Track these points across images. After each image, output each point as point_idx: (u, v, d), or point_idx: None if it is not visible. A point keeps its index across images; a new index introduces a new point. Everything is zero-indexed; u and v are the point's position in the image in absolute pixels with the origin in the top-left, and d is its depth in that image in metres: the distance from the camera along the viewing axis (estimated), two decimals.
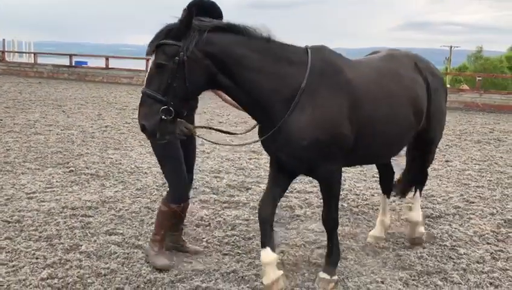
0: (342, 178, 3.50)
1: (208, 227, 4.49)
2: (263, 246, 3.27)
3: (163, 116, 2.81)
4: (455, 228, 4.60)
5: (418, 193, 4.32)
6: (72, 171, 6.17)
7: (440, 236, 4.37)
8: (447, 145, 8.62)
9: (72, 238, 4.05)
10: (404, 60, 3.77)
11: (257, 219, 4.64)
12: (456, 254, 4.01)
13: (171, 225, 3.74)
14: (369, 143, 3.37)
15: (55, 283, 3.29)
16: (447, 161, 7.50)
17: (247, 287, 3.38)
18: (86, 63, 23.29)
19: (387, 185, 4.39)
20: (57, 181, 5.70)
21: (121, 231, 4.24)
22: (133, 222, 4.50)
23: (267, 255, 3.23)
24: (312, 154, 3.08)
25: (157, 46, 2.82)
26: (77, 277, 3.40)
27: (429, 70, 3.86)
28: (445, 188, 6.00)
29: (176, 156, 3.58)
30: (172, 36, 2.81)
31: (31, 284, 3.27)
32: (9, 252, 3.73)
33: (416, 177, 4.35)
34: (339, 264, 3.75)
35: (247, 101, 3.12)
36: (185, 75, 2.82)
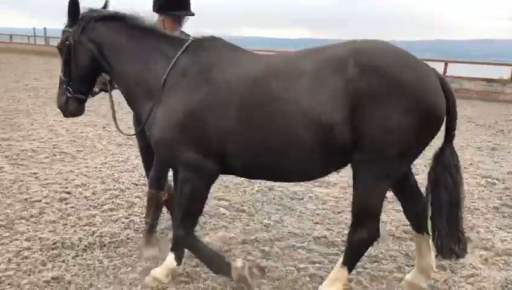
0: None
1: (301, 200, 5.02)
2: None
3: (68, 95, 3.11)
4: None
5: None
6: None
7: None
8: None
9: None
10: (328, 53, 2.70)
11: (346, 196, 5.12)
12: None
13: (155, 212, 3.72)
14: (243, 151, 2.81)
15: None
16: None
17: (337, 250, 3.85)
18: None
19: (414, 216, 3.15)
20: None
21: (228, 198, 4.93)
22: (237, 191, 5.16)
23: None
24: (164, 153, 3.00)
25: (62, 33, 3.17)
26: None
27: (371, 68, 2.55)
28: None
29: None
30: (67, 24, 3.11)
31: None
32: (140, 207, 4.57)
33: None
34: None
35: (121, 91, 3.15)
36: (74, 58, 3.07)
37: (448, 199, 2.83)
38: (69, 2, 3.03)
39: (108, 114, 9.47)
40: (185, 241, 3.12)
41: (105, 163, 6.07)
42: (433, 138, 2.68)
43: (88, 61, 3.09)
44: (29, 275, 3.26)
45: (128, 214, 4.41)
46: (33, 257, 3.49)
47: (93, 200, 4.72)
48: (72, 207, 4.48)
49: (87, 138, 7.40)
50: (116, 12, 3.12)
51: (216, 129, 2.77)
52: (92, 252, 3.63)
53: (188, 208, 3.03)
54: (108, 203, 4.61)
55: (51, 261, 3.44)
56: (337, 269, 2.93)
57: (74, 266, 3.38)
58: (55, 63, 22.60)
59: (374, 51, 2.66)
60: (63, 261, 3.45)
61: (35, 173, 5.45)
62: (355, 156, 2.66)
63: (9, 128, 7.74)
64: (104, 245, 3.76)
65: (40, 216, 4.25)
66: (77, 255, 3.55)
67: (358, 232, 2.79)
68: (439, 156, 2.87)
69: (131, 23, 3.08)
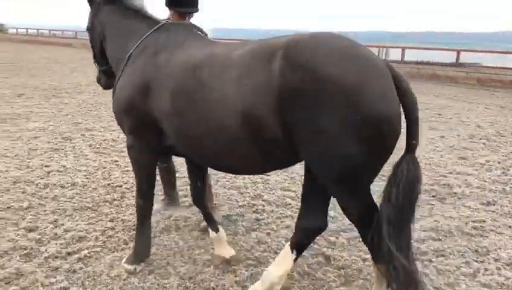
0: None
1: None
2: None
3: (97, 69, 3.67)
4: None
5: None
6: None
7: None
8: None
9: (255, 190, 5.01)
10: (267, 44, 2.53)
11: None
12: None
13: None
14: (178, 135, 2.88)
15: (246, 219, 4.25)
16: None
17: None
18: None
19: None
20: None
21: (293, 189, 5.06)
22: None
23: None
24: (116, 120, 3.26)
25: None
26: (260, 216, 4.32)
27: (297, 61, 2.30)
28: None
29: None
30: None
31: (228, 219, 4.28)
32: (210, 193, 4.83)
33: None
34: (494, 238, 4.00)
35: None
36: (92, 38, 3.58)
37: (392, 218, 2.37)
38: None
39: None
40: (140, 209, 3.33)
41: None
42: (386, 144, 2.30)
43: (99, 42, 3.53)
44: (113, 252, 3.59)
45: None
46: (116, 236, 3.83)
47: None
48: None
49: None
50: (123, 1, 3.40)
51: (154, 109, 2.89)
52: (168, 234, 3.92)
53: (142, 178, 3.26)
54: (182, 190, 4.91)
55: (132, 240, 3.75)
56: None
57: (153, 245, 3.66)
58: None
59: (308, 43, 2.37)
60: None
61: (116, 161, 5.89)
62: (303, 158, 2.49)
63: (91, 120, 8.36)
64: (179, 228, 4.05)
65: (122, 200, 4.62)
66: (155, 237, 3.84)
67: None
68: (394, 167, 2.43)
69: (124, 5, 3.38)
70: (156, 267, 3.38)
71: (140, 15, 3.32)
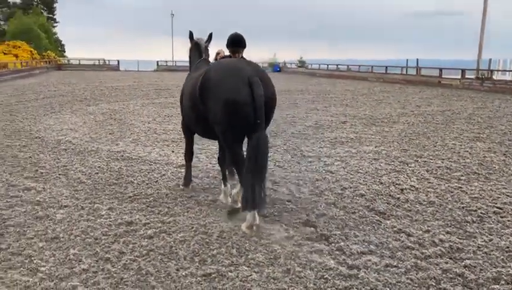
0: None
1: None
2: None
3: None
4: None
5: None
6: None
7: None
8: None
9: None
10: (206, 66, 5.39)
11: None
12: None
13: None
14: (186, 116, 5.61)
15: None
16: None
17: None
18: None
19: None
20: None
21: None
22: None
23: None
24: None
25: None
26: None
27: (205, 72, 4.76)
28: None
29: None
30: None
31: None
32: None
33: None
34: None
35: None
36: (189, 62, 6.16)
37: (249, 167, 4.35)
38: (189, 32, 5.98)
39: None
40: (185, 159, 6.13)
41: None
42: (237, 117, 4.40)
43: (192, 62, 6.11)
44: (447, 257, 3.90)
45: None
46: (465, 249, 4.15)
47: None
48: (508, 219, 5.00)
49: (492, 162, 7.82)
50: (197, 41, 5.96)
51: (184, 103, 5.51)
52: None
53: (185, 140, 6.11)
54: None
55: None
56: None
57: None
58: (428, 93, 24.00)
59: (214, 63, 5.10)
60: None
61: (461, 187, 6.25)
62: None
63: (415, 148, 9.01)
64: None
65: (482, 223, 4.93)
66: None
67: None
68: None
69: (198, 47, 5.93)
70: None
71: (199, 53, 5.90)
